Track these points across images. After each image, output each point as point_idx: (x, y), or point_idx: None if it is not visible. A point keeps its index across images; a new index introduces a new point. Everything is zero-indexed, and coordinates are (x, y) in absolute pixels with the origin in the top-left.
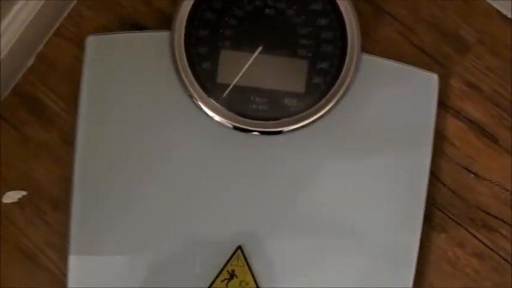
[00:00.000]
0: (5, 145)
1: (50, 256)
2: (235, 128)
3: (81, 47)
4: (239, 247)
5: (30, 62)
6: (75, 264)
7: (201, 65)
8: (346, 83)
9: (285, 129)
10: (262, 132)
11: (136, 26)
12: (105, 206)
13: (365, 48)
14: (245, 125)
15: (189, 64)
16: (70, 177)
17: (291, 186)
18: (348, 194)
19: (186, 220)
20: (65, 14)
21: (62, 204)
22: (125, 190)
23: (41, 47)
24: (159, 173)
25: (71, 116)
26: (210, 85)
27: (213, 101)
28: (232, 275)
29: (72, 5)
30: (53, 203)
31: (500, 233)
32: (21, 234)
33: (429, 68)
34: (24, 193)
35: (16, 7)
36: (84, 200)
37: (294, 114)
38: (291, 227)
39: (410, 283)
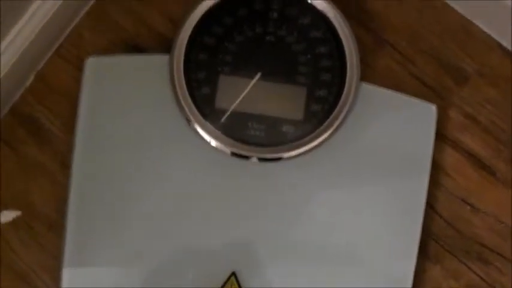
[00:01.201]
0: (1, 164)
1: (42, 277)
2: (232, 153)
3: (80, 67)
4: (233, 273)
5: (28, 82)
6: (68, 285)
7: (200, 89)
8: (345, 111)
9: (283, 155)
10: (259, 159)
11: (137, 49)
12: (100, 227)
13: (364, 77)
14: (242, 151)
15: (187, 88)
16: (65, 198)
17: (287, 213)
18: (344, 221)
19: (180, 244)
20: (65, 34)
21: (56, 225)
22: (120, 212)
23: (40, 66)
24: (155, 196)
25: (68, 136)
26: (208, 110)
27: (210, 125)
28: None
29: (72, 26)
30: (47, 224)
31: (496, 266)
32: (14, 255)
33: (428, 99)
34: (18, 213)
35: (17, 26)
36: (78, 221)
37: (291, 142)
38: (286, 253)
39: None
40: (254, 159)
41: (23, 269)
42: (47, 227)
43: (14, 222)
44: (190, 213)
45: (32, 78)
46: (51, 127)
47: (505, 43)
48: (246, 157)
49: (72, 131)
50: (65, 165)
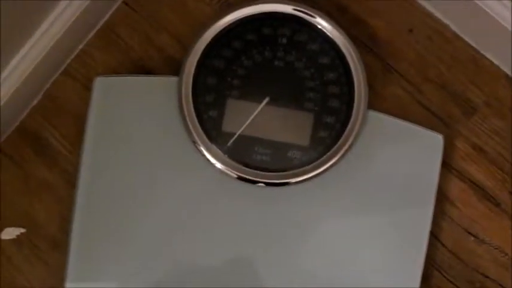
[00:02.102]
0: (7, 181)
1: None
2: (238, 177)
3: (88, 87)
4: None
5: (36, 100)
6: None
7: (207, 112)
8: (351, 138)
9: (289, 181)
10: (267, 184)
11: (145, 69)
12: (103, 247)
13: (371, 105)
14: (247, 175)
15: (195, 111)
16: (69, 217)
17: (292, 238)
18: (348, 248)
19: (183, 264)
20: (75, 54)
21: (59, 243)
22: (124, 232)
23: (48, 85)
24: (159, 216)
25: (74, 155)
26: (214, 133)
27: (216, 148)
28: None
29: (82, 45)
30: (51, 242)
31: None
32: (17, 272)
33: (435, 128)
34: (22, 230)
35: (27, 45)
36: (82, 239)
37: (297, 167)
38: (290, 279)
39: None
40: (260, 184)
41: (25, 285)
42: (50, 245)
43: (17, 240)
44: (194, 235)
45: (40, 96)
46: (58, 146)
47: None
48: (251, 181)
49: (79, 149)
50: (71, 183)
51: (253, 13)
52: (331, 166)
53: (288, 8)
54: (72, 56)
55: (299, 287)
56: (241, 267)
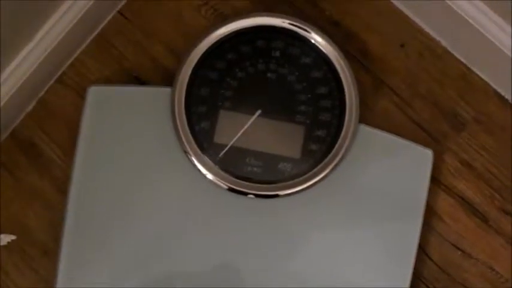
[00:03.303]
0: None
1: None
2: (228, 188)
3: (82, 95)
4: None
5: (30, 107)
6: None
7: (200, 123)
8: (342, 152)
9: (281, 193)
10: (256, 195)
11: (139, 80)
12: (93, 254)
13: (362, 119)
14: (238, 186)
15: (187, 121)
16: (60, 224)
17: (281, 249)
18: (336, 261)
19: (171, 273)
20: (69, 62)
21: (49, 251)
22: (114, 240)
23: (42, 92)
24: (149, 225)
25: (66, 163)
26: (206, 144)
27: (207, 159)
28: None
29: (76, 54)
30: (41, 250)
31: None
32: (7, 279)
33: (424, 143)
34: (13, 237)
35: (23, 53)
36: (73, 247)
37: (288, 179)
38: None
39: None
40: (251, 195)
41: None
42: (40, 252)
43: (8, 246)
44: (184, 244)
45: (33, 103)
46: (50, 153)
47: (503, 92)
48: (241, 192)
49: (71, 157)
50: (62, 191)
51: (248, 26)
52: (321, 179)
53: (282, 22)
54: (67, 64)
55: None
56: (229, 276)
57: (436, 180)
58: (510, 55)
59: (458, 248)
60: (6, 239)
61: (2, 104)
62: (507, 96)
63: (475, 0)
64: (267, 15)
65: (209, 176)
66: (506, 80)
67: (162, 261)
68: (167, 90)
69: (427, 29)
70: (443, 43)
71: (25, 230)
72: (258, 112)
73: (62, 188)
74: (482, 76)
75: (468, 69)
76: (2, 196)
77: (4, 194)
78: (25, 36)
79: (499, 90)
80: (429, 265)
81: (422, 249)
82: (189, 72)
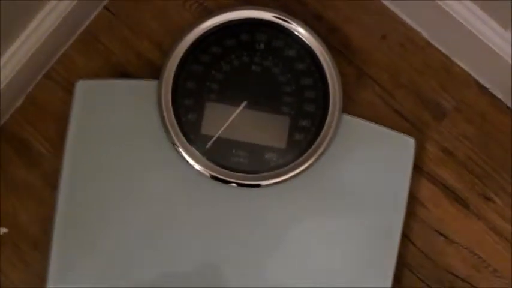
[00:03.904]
0: None
1: None
2: (214, 177)
3: (70, 90)
4: None
5: (18, 103)
6: None
7: (186, 115)
8: (326, 141)
9: (263, 183)
10: (239, 184)
11: (126, 74)
12: (84, 247)
13: (346, 109)
14: (224, 176)
15: (174, 114)
16: (50, 218)
17: (265, 238)
18: (320, 249)
19: (161, 263)
20: (56, 58)
21: (41, 244)
22: (103, 232)
23: (30, 88)
24: (138, 217)
25: (56, 157)
26: (193, 135)
27: (195, 150)
28: None
29: (63, 50)
30: (33, 243)
31: None
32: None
33: (406, 132)
34: (5, 230)
35: (11, 49)
36: (63, 240)
37: (273, 169)
38: (262, 278)
39: None
40: (235, 185)
41: (7, 285)
42: (31, 246)
43: (0, 240)
44: (170, 234)
45: (22, 99)
46: (40, 147)
47: (483, 81)
48: (227, 182)
49: (60, 151)
50: (52, 185)
51: (232, 19)
52: (306, 168)
53: (266, 15)
54: (54, 60)
55: (267, 285)
56: (211, 263)
57: (418, 168)
58: (490, 45)
59: (441, 234)
60: None
61: None
62: (486, 85)
63: None
64: (252, 9)
65: (196, 166)
66: (486, 69)
67: (152, 250)
68: (154, 83)
69: (408, 20)
70: (424, 34)
71: (16, 223)
72: (244, 104)
73: (52, 183)
74: (463, 66)
75: (449, 59)
76: None
77: None
78: (13, 33)
79: (479, 79)
80: (413, 251)
81: (406, 236)
82: (176, 65)
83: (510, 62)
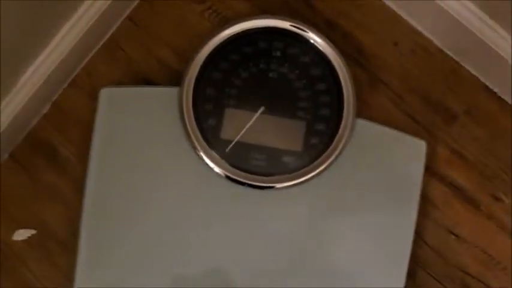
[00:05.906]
0: (18, 186)
1: None
2: (233, 180)
3: (94, 97)
4: None
5: (45, 110)
6: None
7: (207, 121)
8: (341, 145)
9: (280, 185)
10: (255, 186)
11: (147, 82)
12: (110, 248)
13: (359, 113)
14: (242, 178)
15: (195, 119)
16: (78, 220)
17: (281, 239)
18: (335, 250)
19: (183, 262)
20: (81, 66)
21: (68, 245)
22: (129, 234)
23: (56, 95)
24: (162, 219)
25: (82, 162)
26: (213, 140)
27: (215, 154)
28: None
29: (88, 58)
30: (60, 244)
31: None
32: (28, 272)
33: (418, 135)
34: (34, 232)
35: (40, 58)
36: (90, 242)
37: (290, 172)
38: (277, 278)
39: None
40: (251, 187)
41: (35, 285)
42: (59, 247)
43: (28, 240)
44: (192, 234)
45: (48, 106)
46: (66, 152)
47: (491, 85)
48: (245, 184)
49: (86, 156)
50: (77, 188)
51: (250, 28)
52: (321, 171)
53: (283, 24)
54: (79, 68)
55: (283, 285)
56: (228, 263)
57: (429, 169)
58: (498, 51)
59: (452, 233)
60: (26, 233)
61: (21, 106)
62: (495, 89)
63: (464, 0)
64: (269, 18)
65: (217, 169)
66: (494, 74)
67: (177, 251)
68: (175, 90)
69: (419, 28)
70: (435, 41)
71: (44, 225)
72: (261, 109)
73: (78, 186)
74: (472, 71)
75: (458, 64)
76: (21, 194)
77: (23, 192)
78: (41, 43)
79: (487, 83)
80: (426, 250)
81: (418, 235)
82: (196, 72)
83: None
